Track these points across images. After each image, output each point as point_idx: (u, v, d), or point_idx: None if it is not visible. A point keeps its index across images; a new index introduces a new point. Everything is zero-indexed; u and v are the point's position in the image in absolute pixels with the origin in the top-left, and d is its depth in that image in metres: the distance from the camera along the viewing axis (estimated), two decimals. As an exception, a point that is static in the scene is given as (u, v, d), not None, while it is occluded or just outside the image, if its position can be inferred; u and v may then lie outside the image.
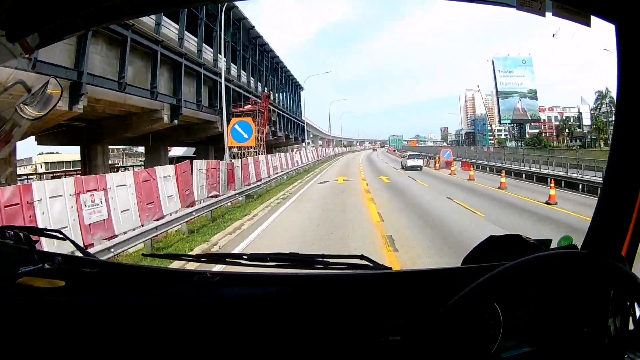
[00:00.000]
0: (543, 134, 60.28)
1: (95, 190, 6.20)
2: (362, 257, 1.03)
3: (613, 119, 1.10)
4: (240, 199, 11.95)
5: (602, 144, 44.81)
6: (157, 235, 6.92)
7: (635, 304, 0.81)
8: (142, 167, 26.88)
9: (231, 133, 18.15)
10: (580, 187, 13.66)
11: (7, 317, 0.95)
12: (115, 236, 6.19)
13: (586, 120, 54.20)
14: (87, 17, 1.07)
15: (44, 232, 1.22)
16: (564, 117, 60.47)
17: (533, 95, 60.51)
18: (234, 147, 19.27)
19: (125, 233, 6.38)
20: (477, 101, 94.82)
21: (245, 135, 19.58)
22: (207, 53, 24.48)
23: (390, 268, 1.04)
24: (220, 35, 22.71)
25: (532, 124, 61.36)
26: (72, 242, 1.22)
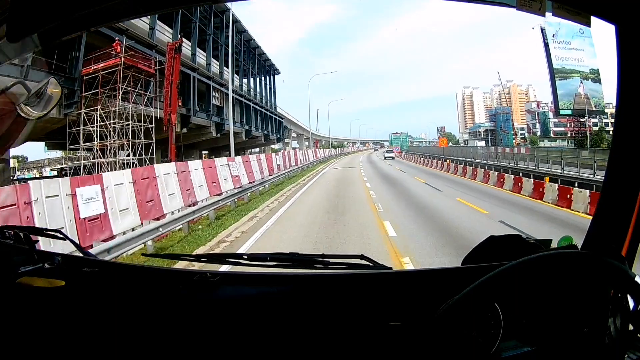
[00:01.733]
0: (569, 132, 46.27)
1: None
2: (362, 257, 1.03)
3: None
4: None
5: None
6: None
7: (635, 304, 0.81)
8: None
9: None
10: None
11: (7, 317, 0.95)
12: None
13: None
14: (87, 17, 1.07)
15: (44, 232, 1.22)
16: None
17: (596, 77, 42.88)
18: None
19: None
20: (476, 98, 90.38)
21: None
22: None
23: (391, 268, 1.04)
24: None
25: (557, 119, 47.85)
26: (72, 242, 1.22)
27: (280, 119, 41.94)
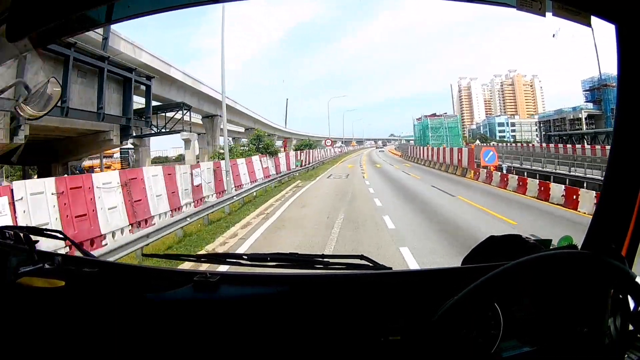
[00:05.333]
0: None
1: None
2: (362, 257, 1.03)
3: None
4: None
5: None
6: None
7: (636, 304, 0.81)
8: None
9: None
10: None
11: (7, 317, 0.95)
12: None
13: None
14: (86, 17, 1.07)
15: (44, 232, 1.22)
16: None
17: None
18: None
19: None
20: (475, 90, 77.32)
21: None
22: None
23: (390, 268, 1.04)
24: None
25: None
26: (72, 242, 1.22)
27: (131, 77, 14.72)
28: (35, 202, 6.44)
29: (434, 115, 42.61)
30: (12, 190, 6.13)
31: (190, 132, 21.34)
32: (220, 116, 21.83)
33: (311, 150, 32.02)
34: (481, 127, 70.59)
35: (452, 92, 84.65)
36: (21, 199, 6.22)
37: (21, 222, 5.94)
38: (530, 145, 40.02)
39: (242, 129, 37.58)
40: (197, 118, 26.33)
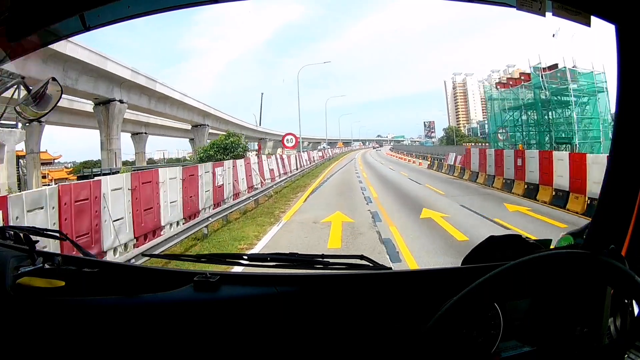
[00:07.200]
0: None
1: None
2: (362, 257, 1.03)
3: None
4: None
5: None
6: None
7: (635, 304, 0.81)
8: None
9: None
10: None
11: (7, 318, 0.95)
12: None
13: None
14: (87, 17, 1.07)
15: (44, 232, 1.22)
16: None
17: None
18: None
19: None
20: (470, 87, 72.13)
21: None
22: None
23: (390, 268, 1.04)
24: None
25: None
26: (72, 242, 1.22)
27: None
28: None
29: (555, 67, 17.31)
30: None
31: (17, 127, 10.06)
32: (122, 102, 14.44)
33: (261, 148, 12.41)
34: (485, 125, 62.03)
35: (445, 89, 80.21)
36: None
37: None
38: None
39: (187, 126, 26.75)
40: (87, 104, 18.95)
